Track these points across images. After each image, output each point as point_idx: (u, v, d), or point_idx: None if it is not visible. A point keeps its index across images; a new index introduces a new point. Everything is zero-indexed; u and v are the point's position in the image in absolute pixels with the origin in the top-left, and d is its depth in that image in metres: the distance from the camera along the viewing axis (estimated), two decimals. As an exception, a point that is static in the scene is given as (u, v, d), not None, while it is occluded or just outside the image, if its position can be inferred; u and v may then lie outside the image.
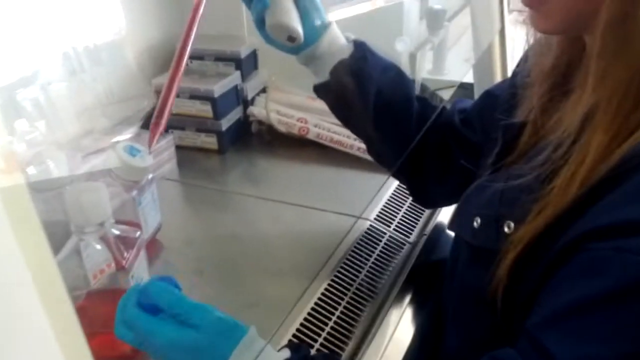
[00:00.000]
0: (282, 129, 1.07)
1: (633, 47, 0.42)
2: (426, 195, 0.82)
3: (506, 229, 0.50)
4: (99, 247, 0.57)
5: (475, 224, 0.54)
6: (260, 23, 0.72)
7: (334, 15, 1.24)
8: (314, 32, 0.72)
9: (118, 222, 0.74)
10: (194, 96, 1.02)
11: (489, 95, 0.73)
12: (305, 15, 0.71)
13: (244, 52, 1.08)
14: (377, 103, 0.74)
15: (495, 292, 0.50)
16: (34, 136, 0.93)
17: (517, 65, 0.66)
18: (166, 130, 1.04)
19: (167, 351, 0.50)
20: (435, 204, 0.89)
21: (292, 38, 0.71)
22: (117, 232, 0.58)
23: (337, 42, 0.74)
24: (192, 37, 0.62)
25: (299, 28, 0.70)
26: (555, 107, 0.54)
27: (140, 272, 0.60)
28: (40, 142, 0.93)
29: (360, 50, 0.73)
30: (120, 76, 1.09)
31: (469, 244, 0.56)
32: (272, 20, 0.70)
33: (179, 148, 1.04)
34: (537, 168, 0.48)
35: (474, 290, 0.55)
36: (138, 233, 0.60)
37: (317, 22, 0.72)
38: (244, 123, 1.12)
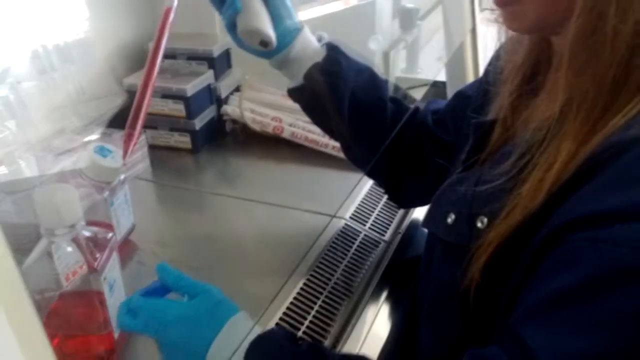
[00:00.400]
0: (256, 127, 1.07)
1: (601, 60, 0.43)
2: (402, 195, 0.82)
3: (479, 224, 0.50)
4: (70, 249, 0.56)
5: (449, 220, 0.54)
6: (232, 28, 0.71)
7: (306, 14, 1.24)
8: (287, 36, 0.72)
9: (90, 223, 0.73)
10: (167, 95, 1.01)
11: (460, 95, 0.73)
12: (277, 19, 0.71)
13: (216, 51, 1.07)
14: (351, 105, 0.74)
15: (468, 289, 0.50)
16: (5, 136, 0.91)
17: (489, 64, 0.66)
18: (139, 130, 1.03)
19: (172, 324, 0.55)
20: (411, 204, 0.90)
21: (264, 43, 0.70)
22: (88, 234, 0.57)
23: (310, 45, 0.74)
24: (161, 54, 0.62)
25: (271, 32, 0.70)
26: (524, 105, 0.54)
27: (113, 274, 0.59)
28: (11, 141, 0.91)
29: (334, 53, 0.74)
30: (91, 75, 1.08)
31: (442, 241, 0.56)
32: (243, 25, 0.70)
33: (152, 147, 1.03)
34: (506, 173, 0.48)
35: (448, 286, 0.55)
36: (110, 234, 0.59)
37: (290, 26, 0.72)
38: (218, 122, 1.11)
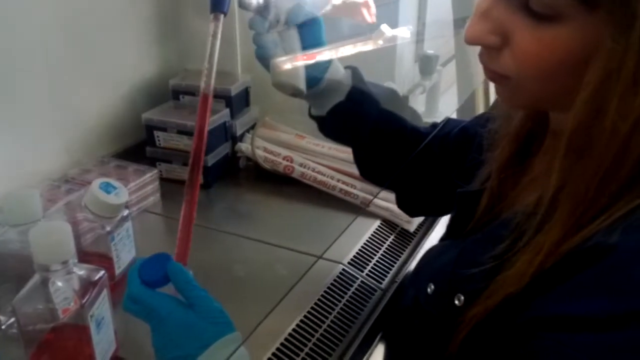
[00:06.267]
0: (267, 166, 1.09)
1: (595, 153, 0.42)
2: (410, 204, 0.86)
3: (457, 302, 0.50)
4: (62, 284, 0.58)
5: (429, 289, 0.55)
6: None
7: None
8: (317, 73, 0.76)
9: (90, 255, 0.76)
10: (182, 131, 1.04)
11: (464, 132, 0.74)
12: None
13: (234, 90, 1.10)
14: (372, 135, 0.78)
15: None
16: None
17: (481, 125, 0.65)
18: (153, 164, 1.06)
19: (165, 322, 0.54)
20: (417, 213, 0.93)
21: (294, 94, 0.76)
22: (79, 272, 0.59)
23: (336, 82, 0.77)
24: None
25: (301, 85, 0.74)
26: (512, 180, 0.54)
27: (102, 311, 0.61)
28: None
29: (357, 92, 0.76)
30: (112, 107, 1.12)
31: (422, 307, 0.57)
32: (276, 78, 0.75)
33: (165, 180, 1.06)
34: (483, 263, 0.48)
35: (423, 349, 0.56)
36: (102, 272, 0.62)
37: (319, 65, 0.76)
38: (232, 159, 1.14)
